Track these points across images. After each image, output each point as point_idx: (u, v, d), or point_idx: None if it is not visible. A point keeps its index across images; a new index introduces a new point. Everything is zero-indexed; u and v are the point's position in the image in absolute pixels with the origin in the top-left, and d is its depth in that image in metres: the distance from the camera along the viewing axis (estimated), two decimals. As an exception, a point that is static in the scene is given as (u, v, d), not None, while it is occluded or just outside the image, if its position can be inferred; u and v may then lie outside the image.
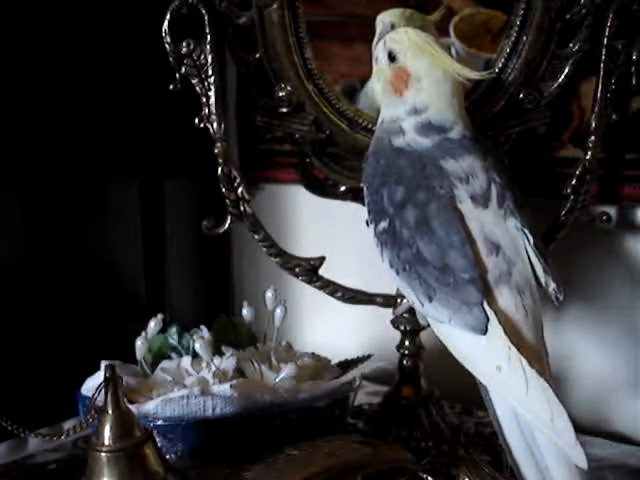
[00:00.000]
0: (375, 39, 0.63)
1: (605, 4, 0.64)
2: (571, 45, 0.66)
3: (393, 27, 0.63)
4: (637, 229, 0.75)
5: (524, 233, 0.53)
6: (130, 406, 0.55)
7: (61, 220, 0.84)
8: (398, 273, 0.55)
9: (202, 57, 0.62)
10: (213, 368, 0.65)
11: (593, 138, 0.67)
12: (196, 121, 0.63)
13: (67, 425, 0.74)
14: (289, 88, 0.64)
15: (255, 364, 0.67)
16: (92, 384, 0.64)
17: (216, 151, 0.63)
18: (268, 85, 0.65)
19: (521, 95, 0.66)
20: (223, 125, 0.63)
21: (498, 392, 0.52)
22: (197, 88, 0.63)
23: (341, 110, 0.66)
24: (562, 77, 0.66)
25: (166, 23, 0.61)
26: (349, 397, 0.70)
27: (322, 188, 0.70)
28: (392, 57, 0.57)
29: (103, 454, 0.51)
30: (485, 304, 0.50)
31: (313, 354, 0.72)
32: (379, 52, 0.58)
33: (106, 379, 0.52)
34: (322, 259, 0.68)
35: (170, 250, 0.95)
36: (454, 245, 0.51)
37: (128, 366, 0.68)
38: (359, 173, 0.63)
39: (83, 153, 0.84)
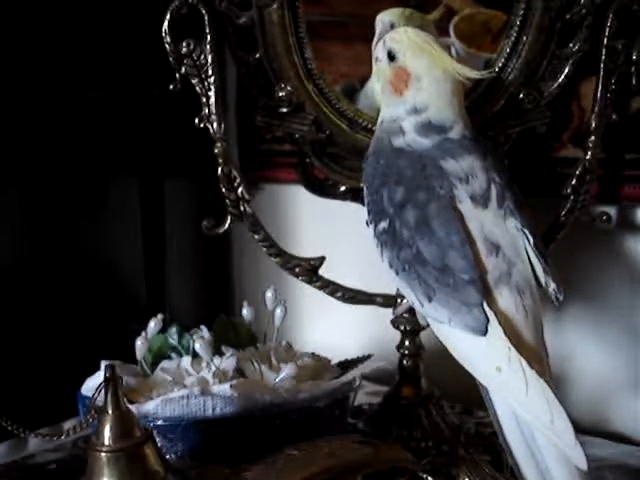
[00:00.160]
0: (375, 39, 0.63)
1: (605, 4, 0.64)
2: (571, 45, 0.66)
3: (393, 27, 0.63)
4: (637, 229, 0.75)
5: (524, 233, 0.53)
6: (130, 406, 0.55)
7: (61, 220, 0.84)
8: (398, 273, 0.55)
9: (202, 57, 0.62)
10: (213, 368, 0.65)
11: (593, 138, 0.67)
12: (196, 121, 0.63)
13: (67, 425, 0.74)
14: (289, 88, 0.64)
15: (255, 364, 0.67)
16: (92, 384, 0.64)
17: (216, 151, 0.64)
18: (268, 85, 0.65)
19: (521, 95, 0.66)
20: (223, 125, 0.63)
21: (498, 393, 0.52)
22: (197, 88, 0.63)
23: (341, 110, 0.66)
24: (562, 77, 0.66)
25: (166, 23, 0.61)
26: (349, 397, 0.70)
27: (322, 188, 0.70)
28: (392, 57, 0.57)
29: (103, 454, 0.51)
30: (485, 305, 0.50)
31: (313, 354, 0.72)
32: (379, 52, 0.58)
33: (106, 379, 0.52)
34: (322, 259, 0.68)
35: (170, 250, 0.95)
36: (454, 245, 0.51)
37: (128, 366, 0.68)
38: (359, 173, 0.63)
39: (83, 153, 0.84)
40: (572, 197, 0.68)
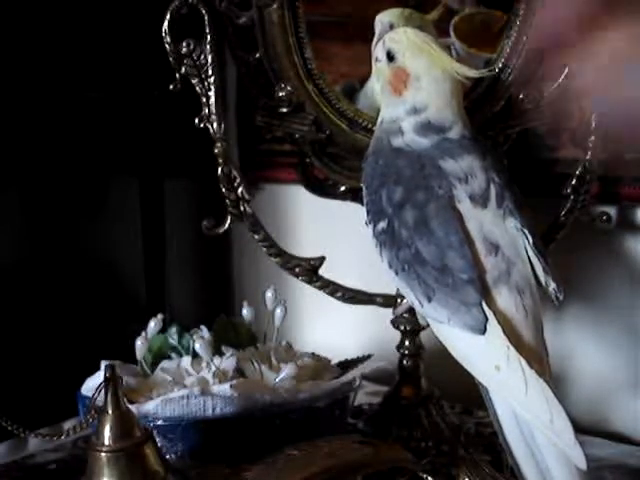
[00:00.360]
0: (374, 39, 0.63)
1: (605, 4, 0.64)
2: (571, 45, 0.66)
3: (392, 27, 0.63)
4: (637, 229, 0.75)
5: (524, 233, 0.53)
6: (130, 406, 0.55)
7: (61, 220, 0.84)
8: (397, 273, 0.55)
9: (202, 57, 0.62)
10: (213, 368, 0.65)
11: (593, 138, 0.67)
12: (196, 121, 0.63)
13: (67, 425, 0.74)
14: (289, 88, 0.64)
15: (255, 364, 0.67)
16: (92, 384, 0.64)
17: (216, 151, 0.64)
18: (268, 85, 0.65)
19: (521, 95, 0.66)
20: (223, 125, 0.63)
21: (497, 392, 0.52)
22: (197, 88, 0.63)
23: (341, 110, 0.66)
24: (562, 77, 0.66)
25: (166, 23, 0.61)
26: (349, 397, 0.70)
27: (322, 188, 0.70)
28: (391, 57, 0.57)
29: (103, 454, 0.51)
30: (484, 304, 0.50)
31: (313, 354, 0.72)
32: (378, 52, 0.58)
33: (106, 379, 0.52)
34: (322, 259, 0.68)
35: (170, 250, 0.95)
36: (453, 245, 0.51)
37: (128, 366, 0.68)
38: (359, 173, 0.63)
39: (83, 153, 0.84)
40: (572, 197, 0.67)
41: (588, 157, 0.67)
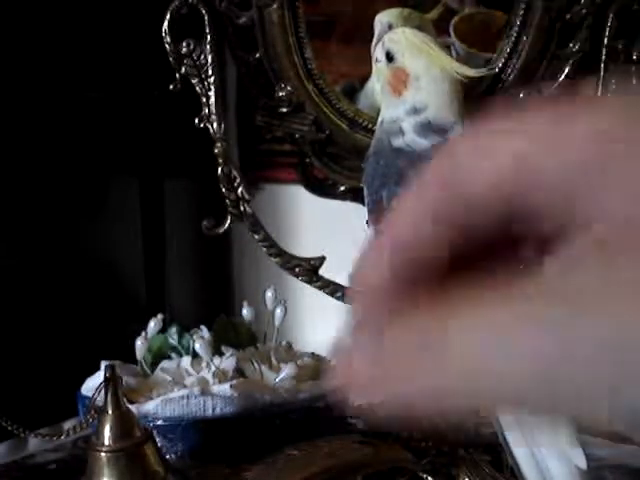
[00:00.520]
0: (374, 40, 0.63)
1: (605, 4, 0.64)
2: (571, 45, 0.66)
3: (391, 27, 0.63)
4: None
5: None
6: (130, 406, 0.55)
7: (61, 220, 0.84)
8: None
9: (202, 57, 0.62)
10: (213, 368, 0.65)
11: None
12: (196, 121, 0.63)
13: (67, 425, 0.74)
14: (289, 88, 0.64)
15: (255, 364, 0.67)
16: (92, 384, 0.64)
17: (216, 151, 0.63)
18: (268, 85, 0.64)
19: (521, 95, 0.66)
20: (223, 125, 0.63)
21: None
22: (197, 88, 0.63)
23: (341, 110, 0.66)
24: (562, 77, 0.66)
25: (166, 23, 0.61)
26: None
27: (322, 188, 0.70)
28: (390, 57, 0.56)
29: (103, 454, 0.51)
30: None
31: (313, 354, 0.72)
32: (377, 52, 0.58)
33: (106, 379, 0.52)
34: (322, 259, 0.68)
35: (170, 250, 0.95)
36: None
37: (128, 366, 0.68)
38: (359, 173, 0.63)
39: (83, 153, 0.84)
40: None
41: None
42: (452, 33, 0.69)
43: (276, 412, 0.63)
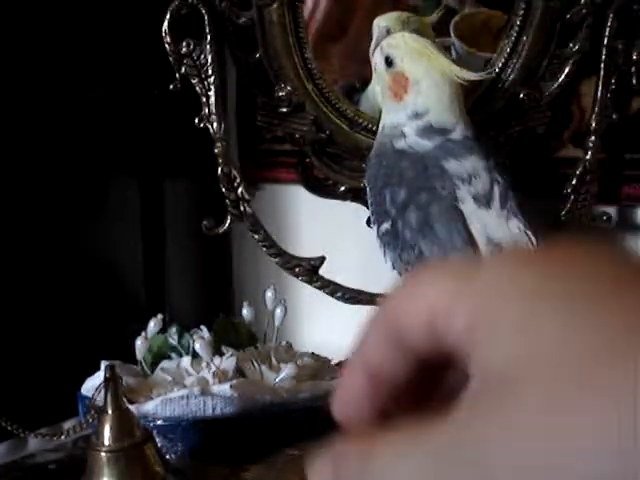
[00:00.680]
0: (372, 44, 0.63)
1: (605, 4, 0.64)
2: (571, 45, 0.66)
3: (389, 32, 0.62)
4: (637, 229, 0.75)
5: (527, 235, 0.53)
6: (130, 406, 0.55)
7: (61, 220, 0.84)
8: (401, 274, 0.55)
9: (202, 57, 0.62)
10: (213, 368, 0.65)
11: (593, 138, 0.67)
12: (196, 121, 0.63)
13: (67, 425, 0.74)
14: (289, 88, 0.64)
15: (255, 364, 0.67)
16: (92, 384, 0.64)
17: (216, 151, 0.64)
18: (268, 85, 0.65)
19: (521, 95, 0.66)
20: (223, 125, 0.63)
21: None
22: (197, 88, 0.63)
23: (341, 110, 0.66)
24: (562, 77, 0.66)
25: (166, 23, 0.61)
26: (349, 397, 0.70)
27: (322, 188, 0.70)
28: (389, 62, 0.56)
29: (103, 454, 0.51)
30: None
31: (313, 354, 0.72)
32: (377, 58, 0.58)
33: (106, 379, 0.52)
34: (322, 259, 0.68)
35: (170, 250, 0.95)
36: (456, 246, 0.51)
37: (128, 366, 0.68)
38: (359, 173, 0.63)
39: (83, 153, 0.84)
40: (572, 197, 0.67)
41: (588, 157, 0.67)
42: (452, 33, 0.69)
43: (276, 412, 0.63)
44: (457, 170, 0.54)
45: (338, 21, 0.67)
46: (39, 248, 0.82)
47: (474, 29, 0.70)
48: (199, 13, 0.61)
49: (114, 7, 0.83)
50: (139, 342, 0.67)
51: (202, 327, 0.71)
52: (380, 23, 0.64)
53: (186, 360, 0.67)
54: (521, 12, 0.64)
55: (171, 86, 0.62)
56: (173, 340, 0.70)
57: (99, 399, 0.53)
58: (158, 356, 0.69)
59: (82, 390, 0.66)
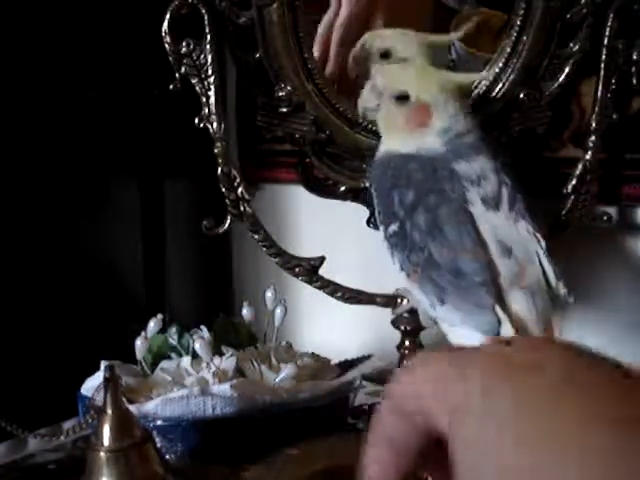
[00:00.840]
0: (370, 74, 0.62)
1: (605, 4, 0.64)
2: (571, 45, 0.66)
3: (387, 55, 0.62)
4: (637, 229, 0.75)
5: (536, 237, 0.53)
6: (130, 406, 0.55)
7: (61, 220, 0.84)
8: (409, 276, 0.54)
9: (202, 57, 0.62)
10: (213, 368, 0.65)
11: (593, 138, 0.67)
12: (196, 121, 0.63)
13: (67, 425, 0.74)
14: (289, 88, 0.64)
15: (255, 364, 0.67)
16: (92, 384, 0.64)
17: (216, 151, 0.63)
18: (268, 85, 0.64)
19: (521, 95, 0.66)
20: (223, 125, 0.63)
21: None
22: (197, 88, 0.63)
23: (341, 110, 0.66)
24: (562, 77, 0.66)
25: (166, 23, 0.61)
26: (349, 397, 0.70)
27: (322, 188, 0.70)
28: (403, 98, 0.55)
29: (102, 454, 0.51)
30: (497, 307, 0.50)
31: (313, 354, 0.72)
32: (383, 97, 0.57)
33: (106, 379, 0.52)
34: (322, 259, 0.68)
35: (170, 250, 0.95)
36: (466, 248, 0.51)
37: (128, 366, 0.68)
38: (359, 173, 0.63)
39: (83, 153, 0.84)
40: (573, 197, 0.67)
41: (588, 157, 0.67)
42: (452, 33, 0.69)
43: (276, 412, 0.63)
44: (466, 172, 0.54)
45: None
46: (39, 248, 0.82)
47: (474, 29, 0.70)
48: (199, 13, 0.61)
49: (114, 7, 0.83)
50: (139, 342, 0.67)
51: (202, 327, 0.71)
52: (378, 44, 0.63)
53: (186, 360, 0.67)
54: (521, 12, 0.64)
55: (171, 86, 0.62)
56: (173, 340, 0.70)
57: (99, 399, 0.53)
58: (158, 356, 0.69)
59: (82, 390, 0.66)
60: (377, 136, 0.61)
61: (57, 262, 0.84)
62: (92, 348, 0.71)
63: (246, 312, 0.74)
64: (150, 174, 0.92)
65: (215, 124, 0.63)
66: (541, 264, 0.53)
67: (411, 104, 0.55)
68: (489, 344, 0.28)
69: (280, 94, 0.64)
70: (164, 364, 0.68)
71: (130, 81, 0.87)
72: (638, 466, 0.20)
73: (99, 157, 0.86)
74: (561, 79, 0.66)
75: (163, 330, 0.70)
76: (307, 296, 0.83)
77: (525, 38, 0.65)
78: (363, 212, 0.67)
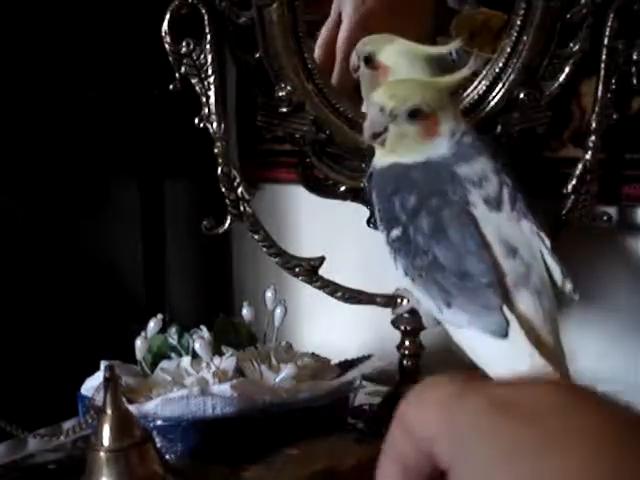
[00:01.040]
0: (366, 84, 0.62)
1: (605, 4, 0.64)
2: (571, 45, 0.66)
3: (367, 59, 0.62)
4: (637, 229, 0.75)
5: (539, 236, 0.53)
6: (130, 406, 0.55)
7: (61, 220, 0.84)
8: (414, 280, 0.54)
9: (202, 57, 0.62)
10: (213, 368, 0.65)
11: (593, 138, 0.67)
12: (196, 121, 0.63)
13: (67, 425, 0.74)
14: (289, 88, 0.64)
15: (255, 364, 0.67)
16: (92, 384, 0.64)
17: (216, 151, 0.63)
18: (268, 85, 0.64)
19: (521, 95, 0.66)
20: (223, 125, 0.63)
21: None
22: (197, 88, 0.63)
23: (341, 110, 0.66)
24: (562, 77, 0.66)
25: (166, 23, 0.61)
26: (349, 397, 0.70)
27: (322, 188, 0.70)
28: (415, 114, 0.55)
29: (102, 454, 0.51)
30: (505, 307, 0.50)
31: (313, 354, 0.72)
32: (400, 122, 0.55)
33: (106, 379, 0.52)
34: (322, 259, 0.68)
35: (170, 250, 0.95)
36: (471, 250, 0.51)
37: (128, 366, 0.68)
38: (359, 173, 0.63)
39: (83, 153, 0.84)
40: (573, 197, 0.68)
41: (588, 157, 0.67)
42: (452, 33, 0.69)
43: (276, 412, 0.63)
44: (468, 174, 0.54)
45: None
46: (39, 248, 0.82)
47: (474, 29, 0.70)
48: (199, 13, 0.61)
49: (114, 7, 0.83)
50: (139, 342, 0.67)
51: (202, 327, 0.71)
52: (360, 49, 0.62)
53: (186, 360, 0.67)
54: (521, 12, 0.64)
55: (171, 86, 0.62)
56: (173, 340, 0.70)
57: (99, 399, 0.53)
58: (158, 356, 0.69)
59: (82, 390, 0.66)
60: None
61: (57, 262, 0.84)
62: (92, 348, 0.71)
63: (246, 312, 0.74)
64: (150, 174, 0.92)
65: (215, 124, 0.63)
66: (545, 262, 0.53)
67: (422, 116, 0.55)
68: (498, 380, 0.28)
69: (280, 94, 0.64)
70: (164, 364, 0.68)
71: (130, 81, 0.87)
72: None
73: (99, 157, 0.86)
74: (561, 79, 0.66)
75: (163, 330, 0.70)
76: (307, 296, 0.83)
77: (525, 38, 0.65)
78: (363, 212, 0.67)
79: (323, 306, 0.79)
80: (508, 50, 0.65)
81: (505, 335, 0.50)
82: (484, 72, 0.66)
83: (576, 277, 0.77)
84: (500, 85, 0.66)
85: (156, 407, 0.61)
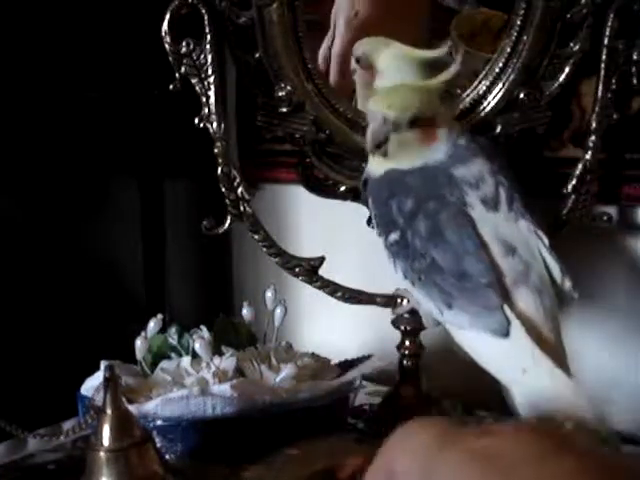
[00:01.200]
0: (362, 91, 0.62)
1: (605, 4, 0.64)
2: (571, 45, 0.66)
3: (358, 60, 0.62)
4: (637, 229, 0.75)
5: (537, 234, 0.53)
6: (130, 406, 0.55)
7: (61, 220, 0.84)
8: (414, 284, 0.54)
9: (202, 57, 0.62)
10: (213, 368, 0.65)
11: (593, 138, 0.67)
12: (196, 121, 0.63)
13: (67, 425, 0.74)
14: (289, 88, 0.64)
15: (255, 364, 0.67)
16: (92, 384, 0.64)
17: (216, 151, 0.63)
18: (268, 85, 0.64)
19: (521, 95, 0.66)
20: (223, 125, 0.63)
21: (524, 395, 0.51)
22: (197, 88, 0.63)
23: (341, 110, 0.66)
24: (562, 77, 0.66)
25: (166, 23, 0.61)
26: (349, 397, 0.70)
27: (322, 188, 0.70)
28: (415, 121, 0.55)
29: (102, 454, 0.51)
30: (505, 307, 0.50)
31: (313, 354, 0.72)
32: (400, 128, 0.56)
33: (106, 379, 0.52)
34: (322, 259, 0.68)
35: (170, 250, 0.95)
36: (469, 251, 0.51)
37: (128, 366, 0.68)
38: (359, 173, 0.63)
39: (83, 153, 0.84)
40: (573, 197, 0.67)
41: (588, 157, 0.67)
42: (452, 33, 0.69)
43: (276, 412, 0.63)
44: (465, 176, 0.54)
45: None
46: (39, 248, 0.82)
47: (474, 29, 0.70)
48: (199, 13, 0.61)
49: (114, 7, 0.83)
50: (139, 342, 0.67)
51: (202, 327, 0.71)
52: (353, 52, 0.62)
53: (186, 360, 0.67)
54: (521, 12, 0.64)
55: (171, 86, 0.62)
56: (173, 340, 0.70)
57: (99, 399, 0.53)
58: (158, 356, 0.69)
59: (82, 390, 0.66)
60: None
61: (57, 262, 0.84)
62: (92, 348, 0.71)
63: (246, 312, 0.74)
64: (150, 174, 0.92)
65: (215, 124, 0.63)
66: (544, 261, 0.53)
67: (421, 123, 0.55)
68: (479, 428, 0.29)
69: (280, 94, 0.64)
70: (164, 364, 0.68)
71: (130, 81, 0.87)
72: None
73: (99, 157, 0.86)
74: (561, 79, 0.66)
75: (163, 330, 0.70)
76: (307, 296, 0.83)
77: (525, 38, 0.65)
78: (363, 212, 0.67)
79: (323, 306, 0.79)
80: (508, 50, 0.65)
81: (506, 334, 0.50)
82: (484, 72, 0.66)
83: (576, 277, 0.77)
84: (500, 85, 0.66)
85: (156, 407, 0.61)
